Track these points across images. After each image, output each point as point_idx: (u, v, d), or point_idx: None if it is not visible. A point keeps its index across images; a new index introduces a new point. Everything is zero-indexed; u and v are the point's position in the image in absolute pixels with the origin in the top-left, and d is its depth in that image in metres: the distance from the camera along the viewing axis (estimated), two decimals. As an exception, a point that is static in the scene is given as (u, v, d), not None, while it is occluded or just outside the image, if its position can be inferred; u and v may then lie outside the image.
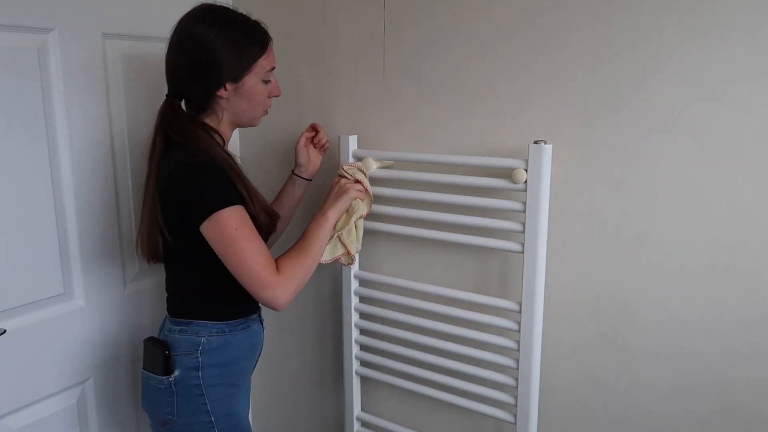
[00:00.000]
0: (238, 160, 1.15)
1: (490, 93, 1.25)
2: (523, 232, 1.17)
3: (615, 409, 1.23)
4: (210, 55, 1.09)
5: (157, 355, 1.16)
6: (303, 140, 1.36)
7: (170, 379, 1.15)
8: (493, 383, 1.31)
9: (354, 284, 1.44)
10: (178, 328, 1.17)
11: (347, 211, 1.28)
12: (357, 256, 1.36)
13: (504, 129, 1.25)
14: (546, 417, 1.30)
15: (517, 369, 1.23)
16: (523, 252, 1.18)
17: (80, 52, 1.29)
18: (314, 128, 1.36)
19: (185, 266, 1.17)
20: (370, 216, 1.38)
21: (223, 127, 1.18)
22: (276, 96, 1.21)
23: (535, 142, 1.12)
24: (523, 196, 1.17)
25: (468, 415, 1.42)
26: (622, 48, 1.09)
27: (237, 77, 1.12)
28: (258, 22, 1.16)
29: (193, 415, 1.16)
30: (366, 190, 1.29)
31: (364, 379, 1.53)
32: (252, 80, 1.14)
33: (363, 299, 1.46)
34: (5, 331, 1.23)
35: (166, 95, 1.15)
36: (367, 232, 1.43)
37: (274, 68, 1.18)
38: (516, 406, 1.25)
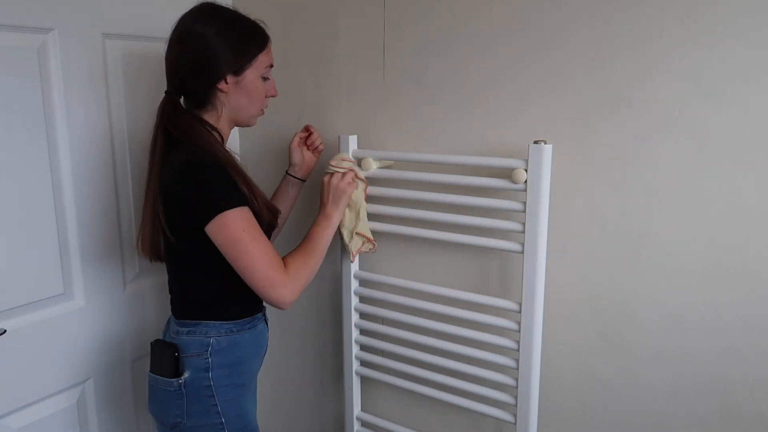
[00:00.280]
0: (238, 158, 1.15)
1: (491, 93, 1.25)
2: (523, 232, 1.17)
3: (615, 408, 1.23)
4: (210, 50, 1.10)
5: (166, 357, 1.15)
6: (296, 140, 1.36)
7: (180, 381, 1.14)
8: (493, 383, 1.31)
9: (354, 284, 1.44)
10: (186, 329, 1.17)
11: (349, 206, 1.29)
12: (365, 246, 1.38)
13: (504, 129, 1.25)
14: (546, 417, 1.30)
15: (517, 369, 1.23)
16: (523, 252, 1.18)
17: (80, 52, 1.29)
18: (307, 129, 1.37)
19: (188, 266, 1.17)
20: (371, 216, 1.39)
21: (222, 125, 1.18)
22: (272, 96, 1.22)
23: (535, 142, 1.12)
24: (523, 196, 1.17)
25: (468, 415, 1.42)
26: (622, 48, 1.10)
27: (238, 70, 1.13)
28: (257, 21, 1.17)
29: (204, 416, 1.16)
30: (357, 176, 1.31)
31: (364, 379, 1.53)
32: (252, 74, 1.15)
33: (363, 299, 1.46)
34: (5, 331, 1.23)
35: (166, 92, 1.15)
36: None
37: (272, 66, 1.20)
38: (516, 406, 1.25)
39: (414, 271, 1.42)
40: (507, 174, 1.17)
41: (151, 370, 1.20)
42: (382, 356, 1.45)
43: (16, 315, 1.26)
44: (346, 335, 1.47)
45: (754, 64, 1.00)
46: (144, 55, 1.42)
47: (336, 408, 1.67)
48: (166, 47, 1.14)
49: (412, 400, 1.51)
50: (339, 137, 1.38)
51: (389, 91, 1.38)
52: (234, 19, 1.15)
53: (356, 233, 1.34)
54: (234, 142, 1.63)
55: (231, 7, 1.18)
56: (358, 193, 1.31)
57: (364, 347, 1.49)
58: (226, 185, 1.07)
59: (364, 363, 1.49)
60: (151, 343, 1.21)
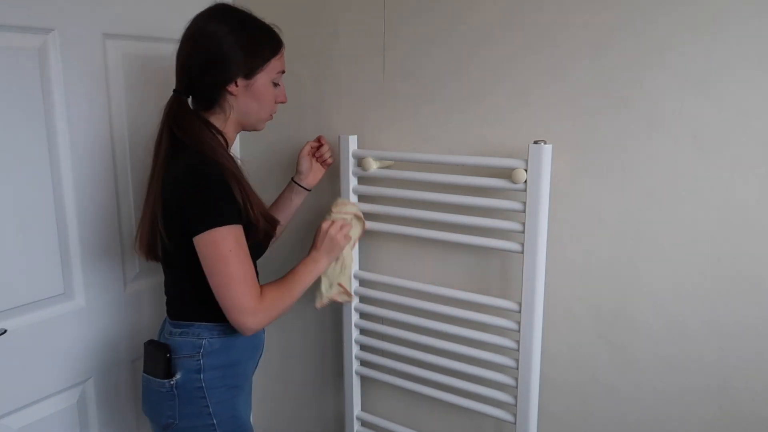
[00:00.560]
0: (239, 163, 1.14)
1: (491, 93, 1.25)
2: (523, 232, 1.17)
3: (614, 408, 1.23)
4: (222, 51, 1.09)
5: (158, 358, 1.15)
6: (307, 148, 1.36)
7: (172, 382, 1.14)
8: (493, 383, 1.31)
9: (354, 284, 1.44)
10: (179, 330, 1.17)
11: (337, 258, 1.31)
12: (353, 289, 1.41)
13: (504, 129, 1.25)
14: (546, 417, 1.30)
15: (517, 369, 1.23)
16: (523, 252, 1.18)
17: (80, 52, 1.29)
18: (319, 140, 1.37)
19: (184, 268, 1.16)
20: (371, 216, 1.39)
21: (229, 128, 1.17)
22: (282, 102, 1.21)
23: (535, 142, 1.12)
24: (522, 196, 1.17)
25: (468, 415, 1.42)
26: (622, 48, 1.10)
27: (249, 74, 1.12)
28: (272, 26, 1.16)
29: (196, 418, 1.15)
30: (356, 215, 1.33)
31: (364, 379, 1.53)
32: (263, 79, 1.14)
33: (363, 299, 1.46)
34: (5, 331, 1.23)
35: (174, 90, 1.14)
36: (368, 232, 1.43)
37: (283, 72, 1.19)
38: (516, 405, 1.25)
39: (414, 271, 1.42)
40: (507, 174, 1.17)
41: (145, 371, 1.20)
42: (382, 356, 1.45)
43: (16, 315, 1.26)
44: (346, 335, 1.47)
45: (754, 63, 1.00)
46: (144, 55, 1.42)
47: (336, 408, 1.67)
48: (178, 45, 1.13)
49: (412, 400, 1.51)
50: (339, 137, 1.38)
51: (389, 91, 1.38)
52: (249, 21, 1.13)
53: (337, 283, 1.35)
54: (234, 141, 1.62)
55: (246, 10, 1.16)
56: (347, 250, 1.33)
57: (364, 347, 1.49)
58: (224, 200, 1.06)
59: (364, 363, 1.49)
60: (144, 344, 1.21)
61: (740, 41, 1.00)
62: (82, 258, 1.35)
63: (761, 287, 1.05)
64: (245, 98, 1.14)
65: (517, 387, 1.24)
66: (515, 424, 1.26)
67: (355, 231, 1.34)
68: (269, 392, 1.79)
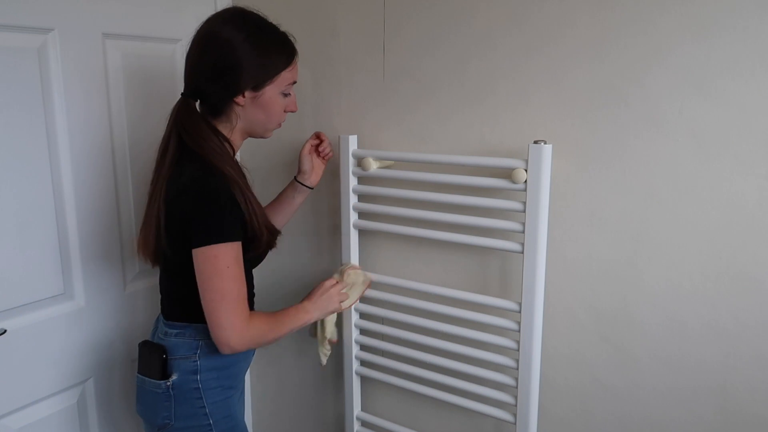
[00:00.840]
0: (246, 172, 1.13)
1: (490, 93, 1.25)
2: (523, 232, 1.17)
3: (614, 408, 1.23)
4: (233, 59, 1.06)
5: (153, 359, 1.15)
6: (308, 147, 1.35)
7: (168, 383, 1.14)
8: (493, 383, 1.31)
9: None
10: (175, 331, 1.16)
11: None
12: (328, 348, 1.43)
13: (504, 129, 1.25)
14: (546, 417, 1.30)
15: (517, 369, 1.23)
16: (523, 252, 1.18)
17: (80, 52, 1.29)
18: (318, 137, 1.36)
19: (183, 273, 1.14)
20: (370, 216, 1.39)
21: (235, 136, 1.16)
22: (292, 111, 1.19)
23: (535, 142, 1.12)
24: (522, 196, 1.17)
25: (468, 415, 1.42)
26: (622, 47, 1.09)
27: (258, 86, 1.10)
28: (287, 33, 1.14)
29: (192, 418, 1.15)
30: (366, 276, 1.39)
31: (364, 379, 1.53)
32: (272, 91, 1.12)
33: (363, 299, 1.46)
34: (5, 331, 1.23)
35: (182, 93, 1.13)
36: (368, 232, 1.43)
37: (295, 82, 1.16)
38: (516, 405, 1.25)
39: (414, 271, 1.42)
40: (507, 174, 1.17)
41: (139, 372, 1.19)
42: (382, 356, 1.45)
43: (16, 315, 1.26)
44: (346, 335, 1.47)
45: (754, 63, 1.00)
46: (145, 55, 1.42)
47: (336, 408, 1.67)
48: (188, 47, 1.10)
49: (412, 400, 1.51)
50: (339, 137, 1.38)
51: (389, 91, 1.38)
52: (262, 29, 1.10)
53: (329, 341, 1.40)
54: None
55: (262, 15, 1.13)
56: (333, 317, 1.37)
57: (364, 347, 1.49)
58: (228, 216, 1.05)
59: (364, 363, 1.49)
60: (139, 344, 1.20)
61: (740, 41, 1.00)
62: (81, 258, 1.35)
63: (762, 287, 1.05)
64: (252, 109, 1.12)
65: (517, 387, 1.24)
66: (515, 424, 1.26)
67: (354, 296, 1.38)
68: (269, 392, 1.79)
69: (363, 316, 1.47)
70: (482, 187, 1.23)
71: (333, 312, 1.32)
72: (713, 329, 1.10)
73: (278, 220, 1.38)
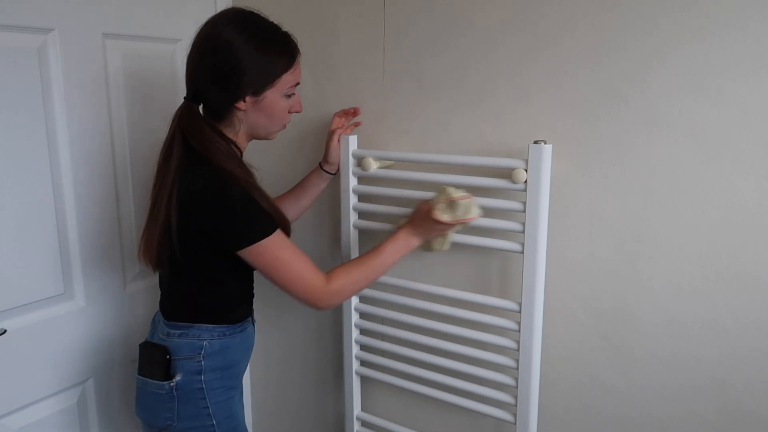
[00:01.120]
0: (254, 171, 1.13)
1: (491, 93, 1.25)
2: (523, 232, 1.17)
3: (614, 408, 1.23)
4: (233, 63, 1.05)
5: (157, 359, 1.14)
6: (336, 138, 1.36)
7: (171, 383, 1.13)
8: (493, 383, 1.31)
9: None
10: (178, 332, 1.15)
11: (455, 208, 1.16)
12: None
13: (504, 129, 1.25)
14: (546, 417, 1.30)
15: (517, 369, 1.23)
16: (523, 252, 1.18)
17: (80, 53, 1.29)
18: (354, 112, 1.39)
19: (191, 274, 1.14)
20: (370, 216, 1.39)
21: (240, 139, 1.15)
22: (297, 112, 1.18)
23: (535, 142, 1.12)
24: (523, 196, 1.17)
25: (468, 415, 1.42)
26: (622, 48, 1.10)
27: (258, 91, 1.08)
28: (288, 33, 1.12)
29: (195, 419, 1.15)
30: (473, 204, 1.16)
31: (364, 379, 1.53)
32: (273, 95, 1.10)
33: (363, 299, 1.46)
34: (5, 331, 1.23)
35: (185, 98, 1.11)
36: (367, 232, 1.43)
37: (298, 83, 1.15)
38: (516, 405, 1.25)
39: (414, 271, 1.42)
40: (507, 174, 1.17)
41: (140, 373, 1.19)
42: (382, 356, 1.45)
43: (16, 315, 1.26)
44: (346, 335, 1.47)
45: (754, 63, 1.00)
46: (144, 55, 1.42)
47: (336, 408, 1.67)
48: (189, 50, 1.09)
49: (412, 400, 1.51)
50: (339, 137, 1.38)
51: (389, 91, 1.38)
52: (264, 31, 1.08)
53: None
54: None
55: (263, 16, 1.11)
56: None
57: (364, 347, 1.49)
58: (255, 216, 1.06)
59: (364, 363, 1.49)
60: (139, 345, 1.20)
61: (740, 41, 1.00)
62: (81, 258, 1.35)
63: (761, 287, 1.05)
64: (255, 113, 1.11)
65: (517, 387, 1.24)
66: (515, 424, 1.26)
67: (456, 213, 1.15)
68: (269, 392, 1.79)
69: (363, 316, 1.47)
70: (482, 187, 1.23)
71: (436, 235, 1.20)
72: (713, 328, 1.11)
73: (304, 203, 1.41)
